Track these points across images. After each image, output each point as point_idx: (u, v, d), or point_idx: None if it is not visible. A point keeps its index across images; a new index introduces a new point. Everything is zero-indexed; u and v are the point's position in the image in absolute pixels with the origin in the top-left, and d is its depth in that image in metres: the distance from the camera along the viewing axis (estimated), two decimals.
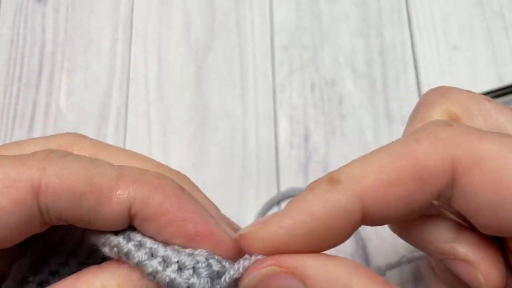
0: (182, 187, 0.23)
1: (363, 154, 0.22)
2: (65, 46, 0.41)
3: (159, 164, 0.25)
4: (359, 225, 0.22)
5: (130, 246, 0.21)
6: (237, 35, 0.42)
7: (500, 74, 0.40)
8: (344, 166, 0.22)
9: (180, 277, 0.20)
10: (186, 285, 0.20)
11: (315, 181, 0.22)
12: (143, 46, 0.41)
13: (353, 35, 0.41)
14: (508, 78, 0.39)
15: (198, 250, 0.21)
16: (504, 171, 0.20)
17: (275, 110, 0.39)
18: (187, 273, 0.20)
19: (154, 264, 0.20)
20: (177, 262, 0.21)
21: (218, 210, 0.26)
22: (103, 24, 0.42)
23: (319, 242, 0.21)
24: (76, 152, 0.24)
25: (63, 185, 0.21)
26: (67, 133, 0.25)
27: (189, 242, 0.22)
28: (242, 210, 0.36)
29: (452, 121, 0.23)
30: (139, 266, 0.21)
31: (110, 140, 0.38)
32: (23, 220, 0.21)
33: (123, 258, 0.21)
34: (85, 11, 0.43)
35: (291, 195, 0.36)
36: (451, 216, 0.24)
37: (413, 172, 0.21)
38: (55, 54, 0.41)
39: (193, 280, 0.20)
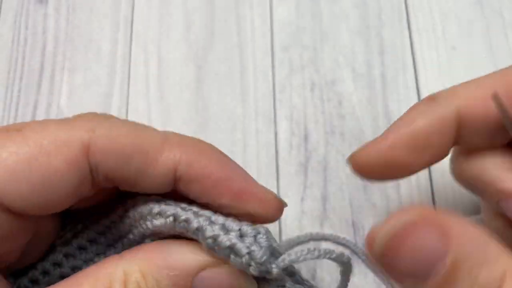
0: (221, 151, 0.24)
1: None
2: (66, 46, 0.42)
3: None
4: (454, 139, 0.23)
5: (189, 214, 0.21)
6: (237, 35, 0.42)
7: None
8: (443, 89, 0.24)
9: (241, 242, 0.20)
10: (246, 250, 0.20)
11: (413, 105, 0.24)
12: (143, 46, 0.42)
13: (353, 35, 0.42)
14: None
15: (257, 225, 0.21)
16: None
17: (275, 110, 0.39)
18: (248, 240, 0.20)
19: (215, 229, 0.20)
20: (239, 229, 0.21)
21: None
22: (104, 24, 0.42)
23: (422, 154, 0.23)
24: None
25: (111, 145, 0.21)
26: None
27: (235, 200, 0.22)
28: None
29: None
30: (198, 232, 0.20)
31: None
32: (76, 180, 0.21)
33: (178, 227, 0.21)
34: (86, 11, 0.43)
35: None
36: None
37: (510, 91, 0.21)
38: (56, 54, 0.41)
39: (254, 247, 0.20)
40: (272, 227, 0.35)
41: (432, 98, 0.24)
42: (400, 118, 0.24)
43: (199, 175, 0.22)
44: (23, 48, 0.42)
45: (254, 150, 0.38)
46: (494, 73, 0.23)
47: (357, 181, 0.37)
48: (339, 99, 0.40)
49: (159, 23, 0.42)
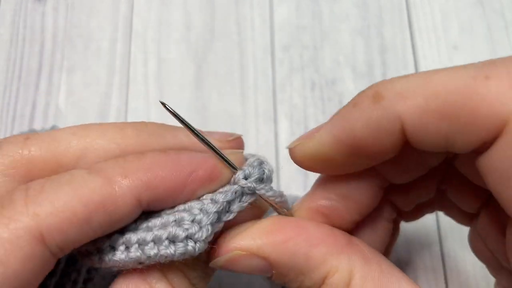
0: (163, 151, 0.23)
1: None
2: (65, 45, 0.41)
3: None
4: (401, 145, 0.21)
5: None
6: (237, 35, 0.42)
7: None
8: (393, 81, 0.20)
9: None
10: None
11: (359, 95, 0.21)
12: (143, 45, 0.41)
13: (353, 35, 0.41)
14: None
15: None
16: None
17: (275, 110, 0.39)
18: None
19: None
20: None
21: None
22: (103, 23, 0.42)
23: (357, 158, 0.22)
24: None
25: (61, 222, 0.20)
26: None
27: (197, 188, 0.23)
28: None
29: None
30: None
31: None
32: (40, 270, 0.21)
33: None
34: (85, 10, 0.42)
35: None
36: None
37: (465, 111, 0.18)
38: (55, 53, 0.41)
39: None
40: None
41: (379, 96, 0.20)
42: (341, 116, 0.21)
43: (163, 196, 0.22)
44: (21, 47, 0.41)
45: (254, 150, 0.38)
46: (453, 75, 0.20)
47: None
48: (340, 98, 0.39)
49: (159, 23, 0.42)
